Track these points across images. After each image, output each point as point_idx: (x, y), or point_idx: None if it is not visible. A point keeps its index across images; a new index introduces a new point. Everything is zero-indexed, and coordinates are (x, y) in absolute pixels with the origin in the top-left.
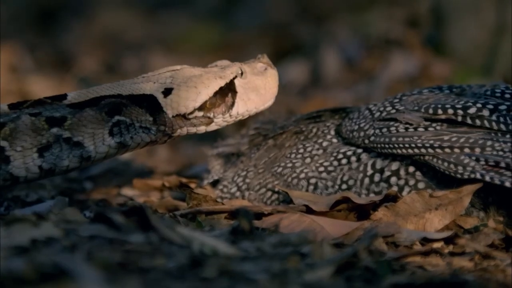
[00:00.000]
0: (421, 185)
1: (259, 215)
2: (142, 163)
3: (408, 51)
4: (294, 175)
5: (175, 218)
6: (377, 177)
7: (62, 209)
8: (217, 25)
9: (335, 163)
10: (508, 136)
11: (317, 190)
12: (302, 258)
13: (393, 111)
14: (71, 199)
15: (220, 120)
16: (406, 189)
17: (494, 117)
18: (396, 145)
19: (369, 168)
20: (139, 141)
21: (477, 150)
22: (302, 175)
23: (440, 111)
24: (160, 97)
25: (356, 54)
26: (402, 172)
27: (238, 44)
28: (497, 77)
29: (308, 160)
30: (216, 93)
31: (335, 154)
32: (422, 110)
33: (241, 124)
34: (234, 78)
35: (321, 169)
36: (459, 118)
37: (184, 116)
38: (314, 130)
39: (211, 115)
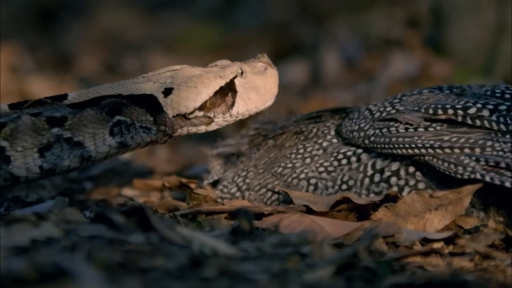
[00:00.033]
0: (421, 186)
1: (259, 215)
2: (142, 163)
3: (408, 51)
4: (294, 175)
5: (175, 218)
6: (377, 178)
7: (62, 209)
8: (217, 25)
9: (335, 163)
10: (508, 136)
11: (317, 191)
12: (302, 258)
13: (393, 111)
14: (71, 199)
15: (220, 119)
16: (406, 189)
17: (494, 118)
18: (396, 146)
19: (369, 168)
20: (140, 141)
21: (477, 150)
22: (302, 176)
23: (440, 111)
24: (160, 97)
25: (356, 54)
26: (402, 172)
27: (238, 44)
28: (497, 77)
29: (308, 160)
30: (216, 93)
31: (335, 154)
32: (422, 110)
33: (241, 124)
34: (234, 78)
35: (321, 169)
36: (459, 119)
37: (184, 116)
38: (314, 130)
39: (212, 114)
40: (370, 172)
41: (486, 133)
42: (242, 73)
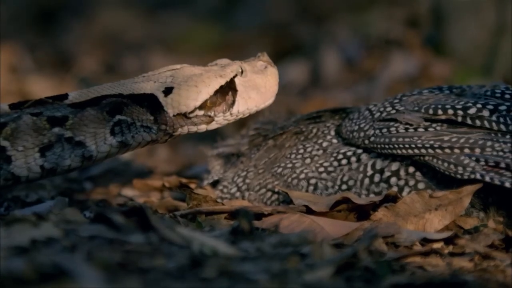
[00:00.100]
0: (421, 186)
1: (259, 216)
2: (142, 163)
3: (408, 51)
4: (294, 175)
5: (175, 219)
6: (377, 178)
7: (62, 209)
8: (217, 25)
9: (335, 163)
10: (508, 136)
11: (317, 191)
12: (302, 258)
13: (393, 111)
14: (71, 199)
15: (221, 118)
16: (406, 189)
17: (494, 118)
18: (396, 146)
19: (369, 168)
20: (140, 140)
21: (477, 150)
22: (302, 176)
23: (440, 112)
24: (160, 96)
25: (356, 54)
26: (402, 172)
27: (238, 44)
28: (497, 77)
29: (308, 160)
30: (216, 92)
31: (335, 154)
32: (422, 110)
33: (241, 124)
34: (234, 77)
35: (321, 169)
36: (459, 119)
37: (185, 115)
38: (314, 130)
39: (212, 113)
40: (370, 172)
41: (486, 133)
42: (242, 72)
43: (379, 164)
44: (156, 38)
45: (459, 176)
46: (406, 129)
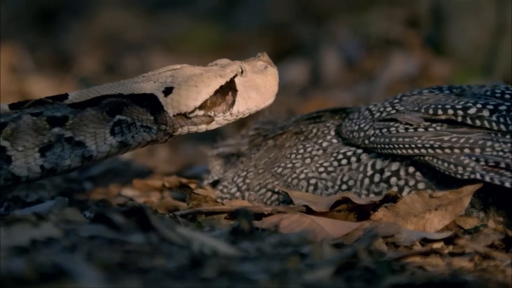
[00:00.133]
0: (421, 186)
1: (259, 216)
2: (142, 163)
3: (408, 51)
4: (294, 175)
5: (175, 219)
6: (377, 178)
7: (62, 209)
8: (217, 25)
9: (335, 163)
10: (508, 136)
11: (317, 191)
12: (302, 258)
13: (393, 111)
14: (71, 199)
15: (221, 118)
16: (406, 189)
17: (494, 118)
18: (396, 146)
19: (369, 168)
20: (140, 140)
21: (477, 150)
22: (302, 176)
23: (440, 112)
24: (160, 96)
25: (356, 54)
26: (402, 172)
27: (238, 44)
28: (497, 77)
29: (308, 160)
30: (216, 92)
31: (335, 154)
32: (422, 110)
33: (241, 124)
34: (234, 77)
35: (321, 169)
36: (459, 119)
37: (185, 115)
38: (314, 130)
39: (212, 113)
40: (370, 172)
41: (486, 133)
42: (242, 72)
43: (379, 164)
44: (156, 38)
45: (459, 176)
46: (406, 129)
